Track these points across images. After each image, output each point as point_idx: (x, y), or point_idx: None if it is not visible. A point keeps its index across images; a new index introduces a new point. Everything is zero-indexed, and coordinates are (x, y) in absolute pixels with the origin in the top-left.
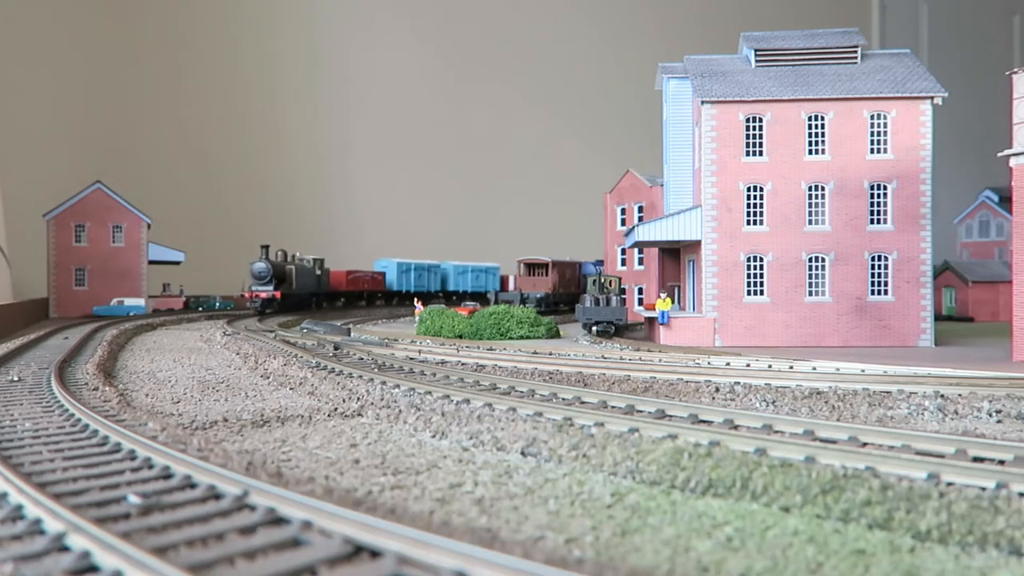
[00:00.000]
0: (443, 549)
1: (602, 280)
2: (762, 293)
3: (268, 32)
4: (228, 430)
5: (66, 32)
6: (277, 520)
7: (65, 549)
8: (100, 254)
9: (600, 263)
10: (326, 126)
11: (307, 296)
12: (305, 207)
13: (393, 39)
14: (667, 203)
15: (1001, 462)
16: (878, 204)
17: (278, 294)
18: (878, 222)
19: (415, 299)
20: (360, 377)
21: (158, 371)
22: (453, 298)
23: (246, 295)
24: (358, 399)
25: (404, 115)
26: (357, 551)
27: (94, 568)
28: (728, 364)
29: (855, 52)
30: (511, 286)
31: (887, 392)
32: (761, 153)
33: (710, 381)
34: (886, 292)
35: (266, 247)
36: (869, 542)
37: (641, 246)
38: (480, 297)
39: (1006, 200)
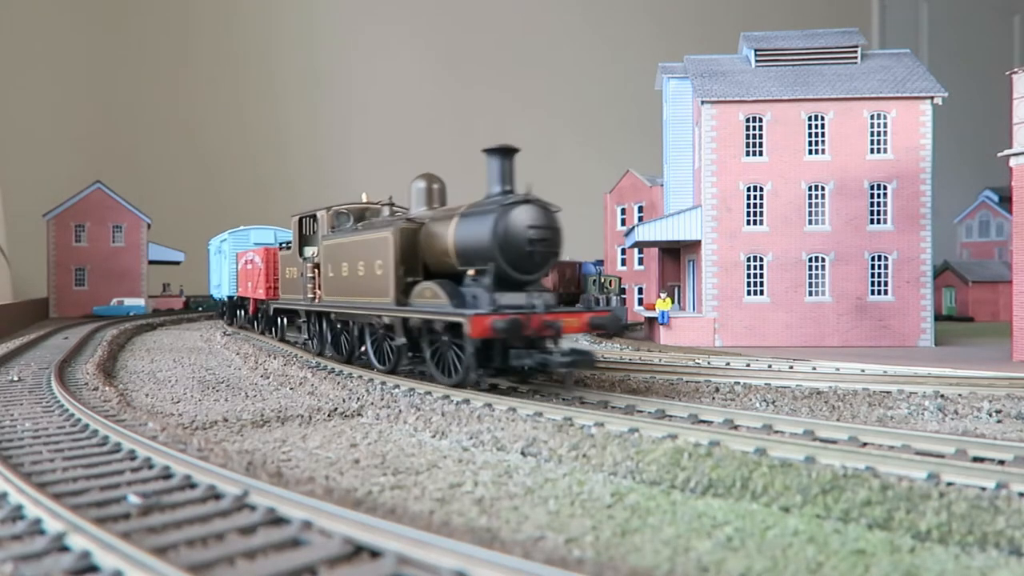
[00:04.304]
0: (443, 549)
1: (602, 280)
2: (762, 293)
3: (268, 32)
4: (228, 430)
5: (66, 32)
6: (277, 520)
7: (65, 549)
8: (100, 254)
9: (600, 263)
10: (326, 126)
11: None
12: (305, 207)
13: (393, 39)
14: (667, 203)
15: (1001, 462)
16: (878, 204)
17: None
18: (878, 222)
19: None
20: (360, 377)
21: (158, 371)
22: None
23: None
24: (358, 399)
25: (404, 116)
26: (357, 551)
27: (94, 568)
28: (728, 364)
29: (855, 52)
30: None
31: (887, 392)
32: (761, 153)
33: (710, 381)
34: (886, 292)
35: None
36: (869, 542)
37: (641, 246)
38: None
39: (1006, 200)
